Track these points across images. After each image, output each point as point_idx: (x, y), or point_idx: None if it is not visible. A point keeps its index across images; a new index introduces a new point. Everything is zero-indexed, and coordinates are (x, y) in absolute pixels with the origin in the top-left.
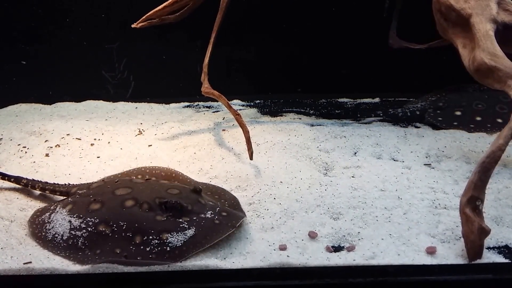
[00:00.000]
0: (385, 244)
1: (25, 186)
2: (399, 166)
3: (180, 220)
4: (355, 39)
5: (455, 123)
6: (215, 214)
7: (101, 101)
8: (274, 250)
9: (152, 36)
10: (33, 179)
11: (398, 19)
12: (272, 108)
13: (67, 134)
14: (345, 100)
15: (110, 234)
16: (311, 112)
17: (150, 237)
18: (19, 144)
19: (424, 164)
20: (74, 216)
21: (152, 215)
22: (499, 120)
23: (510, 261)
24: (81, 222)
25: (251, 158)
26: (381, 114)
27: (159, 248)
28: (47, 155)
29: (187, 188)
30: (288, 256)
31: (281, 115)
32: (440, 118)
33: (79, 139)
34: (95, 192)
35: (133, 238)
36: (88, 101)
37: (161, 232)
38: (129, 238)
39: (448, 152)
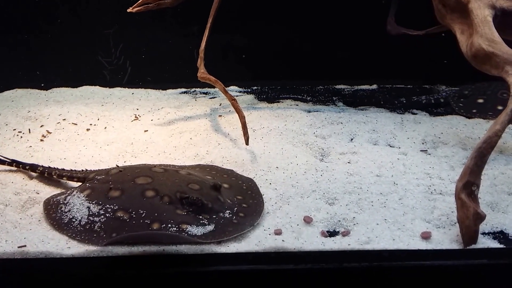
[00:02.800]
0: (380, 229)
1: (42, 174)
2: (395, 152)
3: (200, 217)
4: (353, 25)
5: (474, 111)
6: (233, 214)
7: (97, 86)
8: (269, 234)
9: (148, 21)
10: (49, 167)
11: (396, 6)
12: (269, 94)
13: (63, 119)
14: (342, 86)
15: (127, 220)
16: (308, 98)
17: (169, 225)
18: (15, 129)
19: (421, 150)
20: (92, 201)
21: (172, 208)
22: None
23: (505, 247)
24: (99, 208)
25: (247, 143)
26: (404, 101)
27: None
28: (42, 139)
29: (207, 183)
30: (283, 240)
31: (278, 102)
32: (461, 105)
33: (75, 124)
34: (114, 179)
35: (151, 224)
36: (84, 87)
37: (181, 223)
38: (147, 225)
39: (445, 138)
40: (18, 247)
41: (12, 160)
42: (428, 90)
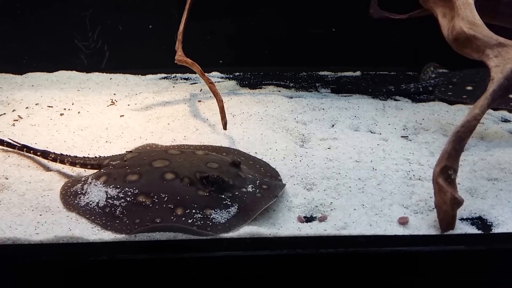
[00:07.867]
0: (357, 214)
1: (54, 160)
2: (376, 138)
3: (222, 196)
4: (336, 11)
5: (464, 96)
6: (256, 187)
7: (74, 71)
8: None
9: (128, 4)
10: (61, 154)
11: None
12: (252, 80)
13: (36, 104)
14: (326, 73)
15: (150, 205)
16: (291, 84)
17: (193, 211)
18: None
19: (401, 136)
20: (111, 186)
21: (194, 190)
22: (511, 96)
23: (483, 232)
24: (118, 192)
25: (224, 128)
26: (392, 89)
27: (202, 222)
28: (14, 124)
29: (226, 161)
30: (259, 226)
31: (260, 88)
32: (450, 93)
33: (50, 106)
34: (131, 164)
35: (174, 209)
36: (60, 72)
37: (205, 207)
38: (171, 210)
39: (426, 124)
40: None
41: (22, 145)
42: (412, 76)
